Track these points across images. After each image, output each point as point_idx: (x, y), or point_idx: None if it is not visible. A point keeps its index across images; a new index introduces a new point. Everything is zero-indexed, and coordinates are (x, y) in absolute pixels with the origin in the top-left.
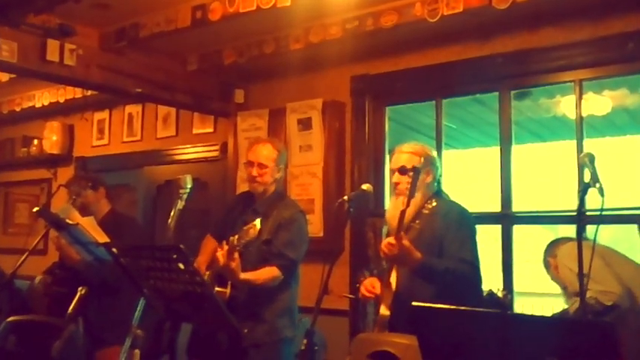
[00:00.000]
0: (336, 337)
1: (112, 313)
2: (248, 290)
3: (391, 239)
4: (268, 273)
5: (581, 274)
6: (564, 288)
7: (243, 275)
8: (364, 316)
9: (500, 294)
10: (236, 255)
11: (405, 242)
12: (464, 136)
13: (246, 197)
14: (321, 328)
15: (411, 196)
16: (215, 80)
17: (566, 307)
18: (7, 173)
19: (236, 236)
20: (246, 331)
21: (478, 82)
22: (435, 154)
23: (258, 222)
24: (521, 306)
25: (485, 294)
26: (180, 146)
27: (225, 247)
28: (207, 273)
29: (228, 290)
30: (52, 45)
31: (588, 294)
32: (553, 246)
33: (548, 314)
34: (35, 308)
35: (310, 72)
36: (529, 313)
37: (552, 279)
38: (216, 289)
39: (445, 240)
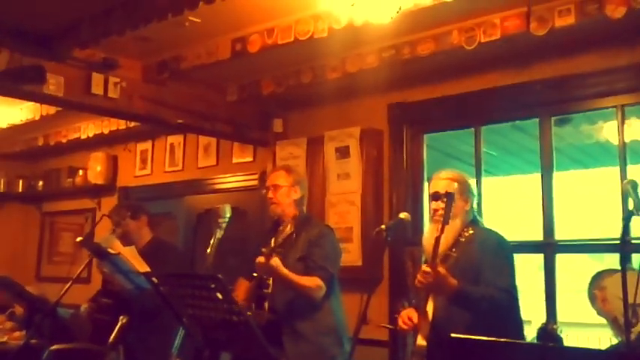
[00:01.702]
0: None
1: (153, 341)
2: (286, 311)
3: (427, 267)
4: (311, 280)
5: (626, 304)
6: (613, 320)
7: (285, 270)
8: (404, 347)
9: (553, 327)
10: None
11: (441, 269)
12: (504, 163)
13: (272, 227)
14: (361, 358)
15: (444, 222)
16: (254, 110)
17: (618, 339)
18: (53, 203)
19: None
20: None
21: (517, 109)
22: (470, 180)
23: (288, 230)
24: (567, 337)
25: (538, 327)
26: (220, 175)
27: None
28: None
29: (265, 313)
30: (97, 78)
31: None
32: (598, 278)
33: (601, 346)
34: (79, 336)
35: (347, 100)
36: (573, 344)
37: (598, 313)
38: (255, 311)
39: (482, 267)
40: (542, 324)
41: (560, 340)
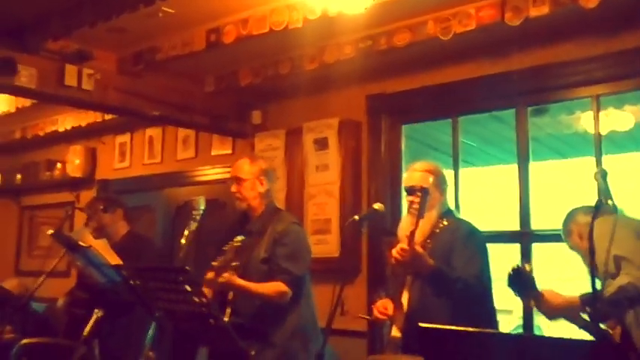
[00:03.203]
0: (354, 359)
1: (128, 334)
2: (252, 317)
3: (403, 245)
4: (273, 287)
5: (593, 284)
6: (591, 264)
7: (240, 281)
8: (382, 337)
9: (526, 267)
10: (226, 272)
11: (418, 248)
12: (483, 154)
13: (241, 219)
14: (339, 349)
15: (419, 216)
16: (232, 101)
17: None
18: (32, 197)
19: (220, 258)
20: (253, 353)
21: (494, 99)
22: (445, 171)
23: (239, 238)
24: (544, 325)
25: (511, 270)
26: (199, 167)
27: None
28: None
29: (227, 317)
30: (70, 70)
31: (626, 279)
32: (575, 214)
33: (576, 294)
34: (56, 330)
35: (326, 91)
36: (542, 333)
37: (572, 247)
38: None
39: (453, 256)
40: (515, 264)
41: (532, 280)
